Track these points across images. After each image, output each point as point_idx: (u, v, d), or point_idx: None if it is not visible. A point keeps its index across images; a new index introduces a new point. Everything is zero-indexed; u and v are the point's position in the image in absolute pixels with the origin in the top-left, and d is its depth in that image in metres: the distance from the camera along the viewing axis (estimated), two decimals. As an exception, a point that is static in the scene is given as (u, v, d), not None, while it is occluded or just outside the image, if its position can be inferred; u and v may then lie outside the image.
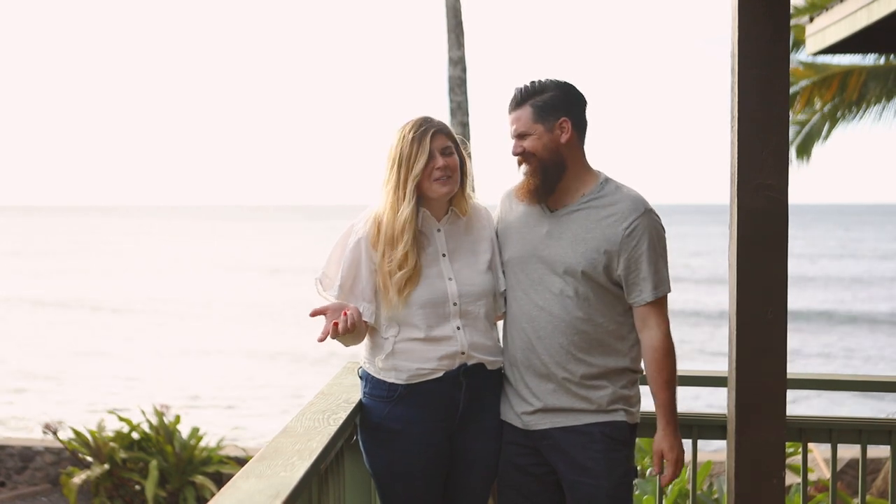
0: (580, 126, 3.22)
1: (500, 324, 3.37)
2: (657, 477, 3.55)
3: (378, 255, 3.18)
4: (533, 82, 3.21)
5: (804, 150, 13.19)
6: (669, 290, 3.19)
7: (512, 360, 3.27)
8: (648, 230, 3.14)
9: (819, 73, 12.12)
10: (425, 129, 3.18)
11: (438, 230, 3.26)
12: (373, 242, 3.19)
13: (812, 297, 36.60)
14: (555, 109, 3.17)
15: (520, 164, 3.23)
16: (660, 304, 3.17)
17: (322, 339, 3.09)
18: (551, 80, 3.21)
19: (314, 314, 3.13)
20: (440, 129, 3.21)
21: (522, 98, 3.20)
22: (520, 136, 3.20)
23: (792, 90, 12.13)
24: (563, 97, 3.20)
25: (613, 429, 3.19)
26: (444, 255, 3.24)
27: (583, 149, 3.24)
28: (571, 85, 3.23)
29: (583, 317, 3.16)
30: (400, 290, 3.14)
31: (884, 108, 12.23)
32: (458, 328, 3.20)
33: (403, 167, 3.17)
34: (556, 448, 3.22)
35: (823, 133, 12.83)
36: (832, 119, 12.59)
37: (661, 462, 3.20)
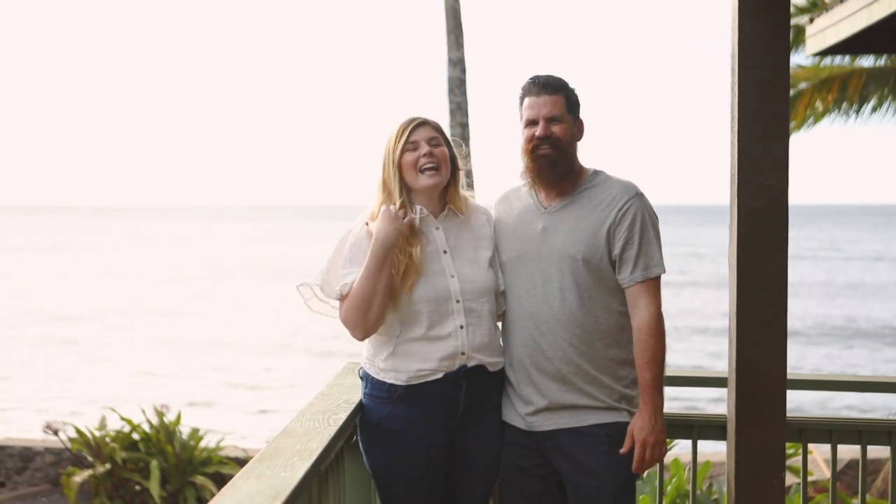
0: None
1: (500, 325, 3.37)
2: (651, 474, 3.53)
3: None
4: (559, 77, 3.30)
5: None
6: (663, 272, 3.21)
7: (515, 360, 3.27)
8: (640, 211, 3.19)
9: (819, 75, 12.10)
10: (408, 121, 3.23)
11: (437, 228, 3.26)
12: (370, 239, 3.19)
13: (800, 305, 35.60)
14: (577, 108, 3.30)
15: (536, 148, 3.22)
16: (651, 284, 3.19)
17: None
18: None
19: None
20: (425, 122, 3.24)
21: (557, 86, 3.26)
22: (551, 120, 3.22)
23: (792, 93, 12.12)
24: (578, 101, 3.31)
25: (617, 430, 3.20)
26: (445, 252, 3.24)
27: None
28: None
29: (583, 309, 3.18)
30: (403, 280, 3.14)
31: (888, 110, 12.22)
32: (462, 327, 3.20)
33: (388, 160, 3.22)
34: (560, 449, 3.23)
35: (808, 123, 12.74)
36: (823, 112, 12.53)
37: (631, 443, 3.15)
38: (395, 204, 3.15)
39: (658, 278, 3.20)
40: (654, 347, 3.14)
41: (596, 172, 3.29)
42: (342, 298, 3.18)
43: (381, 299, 3.11)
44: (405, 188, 3.21)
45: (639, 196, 3.21)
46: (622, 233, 3.17)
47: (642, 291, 3.18)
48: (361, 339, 3.22)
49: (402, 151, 3.19)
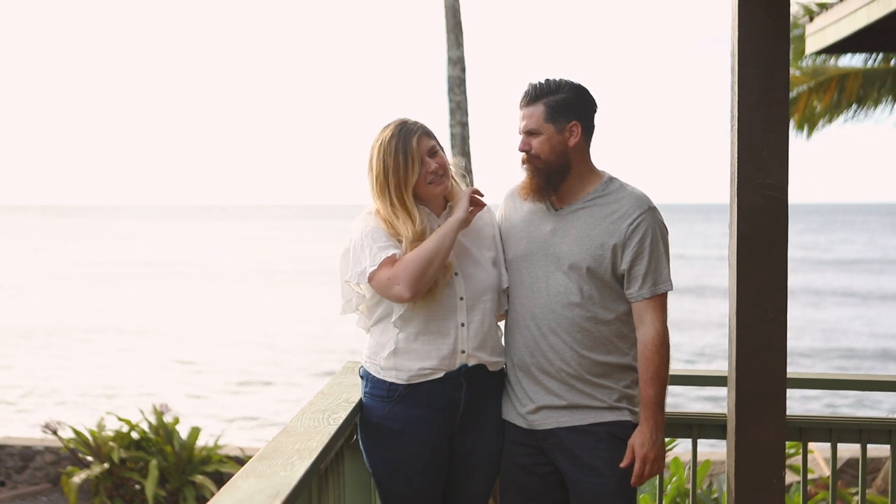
0: (589, 130, 3.24)
1: (502, 324, 3.37)
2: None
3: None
4: (548, 80, 3.21)
5: (803, 127, 13.14)
6: (670, 289, 3.20)
7: (516, 359, 3.27)
8: (651, 227, 3.17)
9: (816, 76, 12.12)
10: (407, 133, 3.15)
11: (439, 226, 3.25)
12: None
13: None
14: (567, 111, 3.19)
15: (524, 161, 3.23)
16: (658, 301, 3.18)
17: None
18: (566, 81, 3.22)
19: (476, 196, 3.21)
20: (423, 132, 3.19)
21: (537, 95, 3.20)
22: (529, 133, 3.20)
23: (790, 96, 12.15)
24: (577, 100, 3.21)
25: (619, 428, 3.21)
26: None
27: (588, 151, 3.27)
28: (586, 88, 3.25)
29: (587, 315, 3.18)
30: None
31: (887, 109, 12.25)
32: (463, 324, 3.20)
33: (394, 179, 3.13)
34: (561, 447, 3.23)
35: (823, 121, 12.81)
36: (831, 113, 12.59)
37: (632, 457, 3.18)
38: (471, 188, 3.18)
39: (665, 294, 3.20)
40: (658, 364, 3.15)
41: (610, 179, 3.25)
42: (386, 263, 3.07)
43: (440, 265, 3.07)
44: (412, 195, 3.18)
45: (651, 211, 3.18)
46: (632, 248, 3.15)
47: (649, 307, 3.17)
48: (409, 298, 3.06)
49: (418, 171, 3.14)
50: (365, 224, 3.20)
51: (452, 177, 3.29)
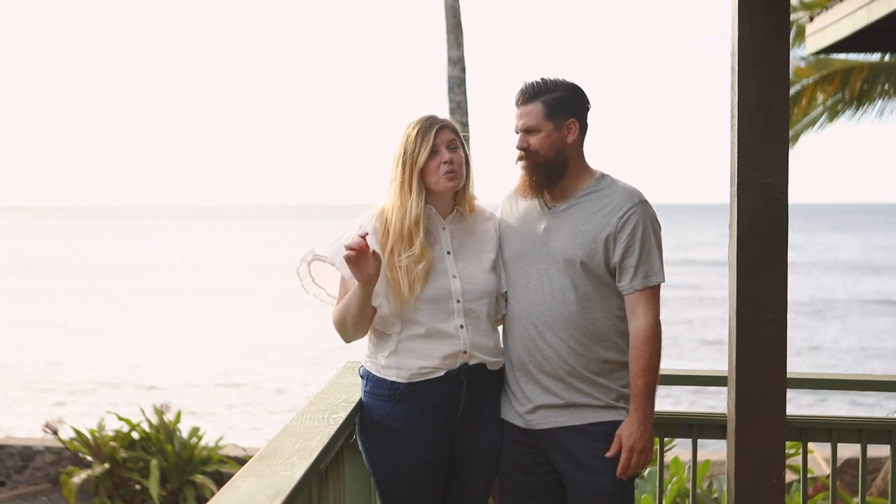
0: (584, 128, 3.28)
1: (501, 327, 3.38)
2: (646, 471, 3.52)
3: (387, 252, 3.18)
4: (544, 79, 3.24)
5: (793, 138, 13.20)
6: (662, 281, 3.21)
7: (514, 359, 3.28)
8: (643, 219, 3.18)
9: (821, 69, 12.17)
10: (430, 123, 3.22)
11: (444, 228, 3.27)
12: (380, 239, 3.19)
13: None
14: (565, 109, 3.22)
15: (521, 158, 3.24)
16: (650, 293, 3.19)
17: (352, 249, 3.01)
18: (562, 80, 3.25)
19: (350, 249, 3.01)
20: (445, 125, 3.24)
21: (534, 93, 3.22)
22: (527, 131, 3.22)
23: (794, 89, 12.20)
24: (573, 98, 3.24)
25: (616, 428, 3.20)
26: (448, 253, 3.25)
27: (583, 149, 3.29)
28: (580, 87, 3.28)
29: (582, 311, 3.18)
30: (413, 286, 3.14)
31: (886, 105, 12.28)
32: (462, 326, 3.20)
33: (408, 163, 3.19)
34: (559, 447, 3.23)
35: (819, 123, 12.87)
36: (832, 111, 12.65)
37: (618, 447, 3.17)
38: (362, 237, 3.03)
39: (657, 287, 3.21)
40: (649, 356, 3.15)
41: (602, 176, 3.27)
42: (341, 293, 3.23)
43: (356, 325, 3.18)
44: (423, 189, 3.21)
45: (642, 204, 3.20)
46: (623, 241, 3.16)
47: (641, 299, 3.18)
48: (346, 342, 3.30)
49: (428, 157, 3.18)
50: (365, 231, 3.21)
51: (471, 186, 3.31)
